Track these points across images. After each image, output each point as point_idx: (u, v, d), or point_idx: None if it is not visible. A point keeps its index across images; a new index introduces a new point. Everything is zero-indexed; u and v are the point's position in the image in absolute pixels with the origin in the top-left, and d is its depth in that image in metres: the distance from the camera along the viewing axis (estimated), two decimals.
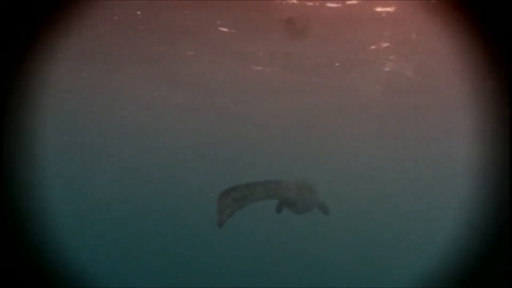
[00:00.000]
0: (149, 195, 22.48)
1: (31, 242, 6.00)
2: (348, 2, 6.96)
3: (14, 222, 5.54)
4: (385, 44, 8.74)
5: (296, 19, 7.64)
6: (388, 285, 14.10)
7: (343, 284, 14.27)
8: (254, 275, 14.73)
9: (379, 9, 7.07)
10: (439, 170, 20.83)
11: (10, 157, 5.39)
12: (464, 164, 12.25)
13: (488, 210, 6.48)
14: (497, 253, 5.92)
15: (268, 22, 7.90)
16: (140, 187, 23.39)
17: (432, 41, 8.16)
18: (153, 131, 21.72)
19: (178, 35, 9.10)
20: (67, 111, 17.98)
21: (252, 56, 10.20)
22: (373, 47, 8.91)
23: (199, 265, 15.29)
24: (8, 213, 5.42)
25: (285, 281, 14.46)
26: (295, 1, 7.01)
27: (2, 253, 5.13)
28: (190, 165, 25.18)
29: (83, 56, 11.40)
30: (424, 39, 8.20)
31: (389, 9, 7.04)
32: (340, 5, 7.04)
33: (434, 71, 10.01)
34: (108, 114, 19.02)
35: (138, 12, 8.09)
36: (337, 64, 10.16)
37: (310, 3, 7.01)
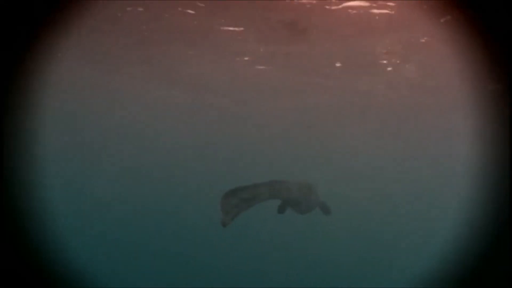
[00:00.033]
0: (149, 195, 22.48)
1: (31, 242, 5.99)
2: (349, 3, 6.96)
3: (14, 222, 5.54)
4: (386, 45, 8.74)
5: (297, 19, 7.64)
6: (388, 285, 14.10)
7: (344, 284, 14.27)
8: (254, 275, 14.73)
9: (380, 9, 7.07)
10: (439, 170, 20.85)
11: (10, 157, 5.38)
12: (464, 164, 12.26)
13: (488, 210, 6.48)
14: (497, 253, 5.92)
15: (268, 22, 7.90)
16: (140, 187, 23.40)
17: (432, 42, 8.15)
18: (153, 131, 21.74)
19: (178, 35, 9.09)
20: (67, 111, 18.00)
21: (252, 56, 10.19)
22: (373, 47, 8.91)
23: (199, 265, 15.29)
24: (8, 213, 5.42)
25: (285, 281, 14.46)
26: (295, 2, 7.01)
27: (2, 253, 5.13)
28: (190, 165, 25.20)
29: (83, 56, 11.41)
30: (424, 40, 8.20)
31: (390, 9, 7.03)
32: (340, 5, 7.04)
33: (434, 72, 10.01)
34: (108, 114, 19.04)
35: (139, 12, 8.09)
36: (337, 64, 10.16)
37: (310, 3, 7.01)
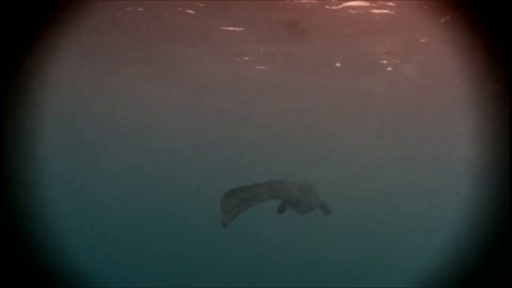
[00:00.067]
0: (149, 195, 22.49)
1: (31, 242, 5.99)
2: (349, 3, 6.96)
3: (14, 222, 5.54)
4: (386, 45, 8.74)
5: (297, 19, 7.64)
6: (388, 285, 14.10)
7: (344, 284, 14.27)
8: (254, 275, 14.73)
9: (379, 9, 7.07)
10: (439, 170, 20.85)
11: (10, 157, 5.38)
12: (464, 164, 12.26)
13: (488, 210, 6.48)
14: (497, 253, 5.92)
15: (268, 22, 7.90)
16: (140, 187, 23.40)
17: (432, 42, 8.15)
18: (153, 131, 21.74)
19: (178, 35, 9.10)
20: (67, 111, 18.00)
21: (252, 56, 10.19)
22: (373, 47, 8.91)
23: (199, 265, 15.29)
24: (8, 213, 5.42)
25: (285, 281, 14.46)
26: (295, 2, 7.01)
27: (2, 253, 5.13)
28: (190, 165, 25.20)
29: (83, 56, 11.41)
30: (424, 40, 8.20)
31: (390, 9, 7.03)
32: (340, 5, 7.03)
33: (434, 72, 10.01)
34: (108, 114, 19.04)
35: (139, 12, 8.09)
36: (337, 64, 10.16)
37: (310, 4, 7.01)
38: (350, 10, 7.13)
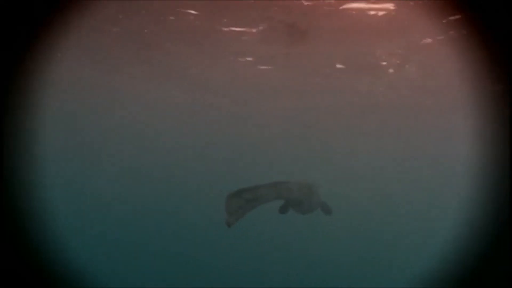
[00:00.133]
0: (149, 195, 22.48)
1: (31, 242, 5.99)
2: (350, 4, 6.96)
3: (14, 222, 5.54)
4: (386, 46, 8.74)
5: (298, 20, 7.64)
6: (388, 285, 14.10)
7: (344, 284, 14.27)
8: (254, 275, 14.73)
9: (380, 11, 7.07)
10: (439, 170, 20.83)
11: (10, 157, 5.38)
12: (464, 164, 12.26)
13: (488, 210, 6.48)
14: (497, 253, 5.92)
15: (269, 22, 7.90)
16: (140, 187, 23.39)
17: (433, 43, 8.16)
18: (153, 131, 21.73)
19: (178, 35, 9.10)
20: (67, 111, 17.99)
21: (253, 57, 10.19)
22: (374, 49, 8.92)
23: (199, 265, 15.29)
24: (8, 213, 5.42)
25: (285, 281, 14.46)
26: (296, 2, 7.01)
27: (2, 253, 5.13)
28: (190, 165, 25.18)
29: (83, 56, 11.40)
30: (424, 41, 8.20)
31: (390, 11, 7.03)
32: (341, 7, 7.03)
33: (434, 72, 10.01)
34: (108, 114, 19.03)
35: (139, 12, 8.09)
36: (338, 65, 10.16)
37: (311, 5, 7.01)
38: (350, 11, 7.14)
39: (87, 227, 17.22)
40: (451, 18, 6.61)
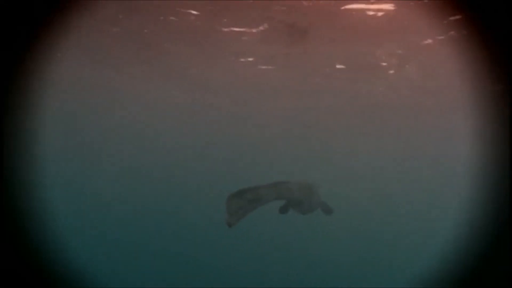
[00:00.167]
0: (149, 195, 22.48)
1: (31, 242, 5.99)
2: (350, 5, 6.96)
3: (14, 222, 5.54)
4: (387, 46, 8.74)
5: (298, 20, 7.64)
6: (388, 285, 14.10)
7: (344, 284, 14.27)
8: (254, 275, 14.73)
9: (381, 11, 7.07)
10: (439, 170, 20.83)
11: (10, 157, 5.38)
12: (464, 164, 12.27)
13: (488, 210, 6.48)
14: (497, 253, 5.92)
15: (269, 23, 7.90)
16: (140, 187, 23.39)
17: (433, 43, 8.16)
18: (153, 131, 21.72)
19: (178, 35, 9.10)
20: (67, 111, 17.99)
21: (253, 57, 10.19)
22: (374, 49, 8.91)
23: (199, 265, 15.29)
24: (8, 213, 5.42)
25: (285, 281, 14.46)
26: (297, 3, 7.01)
27: (2, 253, 5.13)
28: (190, 165, 25.18)
29: (83, 56, 11.40)
30: (425, 41, 8.20)
31: (390, 12, 7.03)
32: (342, 7, 7.04)
33: (434, 72, 10.01)
34: (108, 114, 19.02)
35: (139, 12, 8.09)
36: (338, 66, 10.16)
37: (312, 5, 7.01)
38: (351, 12, 7.14)
39: (87, 227, 17.22)
40: (451, 18, 6.61)
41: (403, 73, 10.21)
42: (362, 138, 18.05)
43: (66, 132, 20.61)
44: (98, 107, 17.86)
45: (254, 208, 5.66)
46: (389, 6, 6.91)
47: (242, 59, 10.42)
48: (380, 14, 7.14)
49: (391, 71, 10.13)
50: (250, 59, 10.35)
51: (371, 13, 7.13)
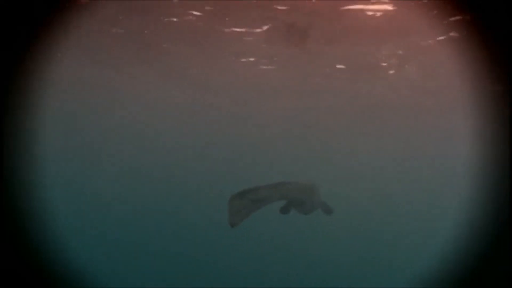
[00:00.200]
0: (149, 195, 22.48)
1: (31, 242, 5.99)
2: (351, 6, 6.96)
3: (14, 222, 5.54)
4: (387, 47, 8.74)
5: (299, 21, 7.63)
6: (388, 285, 14.10)
7: (344, 284, 14.27)
8: (254, 275, 14.73)
9: (381, 12, 7.07)
10: (439, 170, 20.84)
11: (10, 157, 5.38)
12: (464, 164, 12.27)
13: (488, 210, 6.48)
14: (497, 253, 5.92)
15: (269, 23, 7.90)
16: (140, 187, 23.40)
17: (433, 43, 8.16)
18: (153, 131, 21.73)
19: (179, 35, 9.10)
20: (67, 111, 17.99)
21: (254, 57, 10.19)
22: (375, 49, 8.91)
23: (199, 265, 15.29)
24: (8, 213, 5.42)
25: (285, 281, 14.46)
26: (298, 3, 7.01)
27: (2, 253, 5.13)
28: (190, 165, 25.19)
29: (83, 56, 11.40)
30: (425, 42, 8.20)
31: (391, 12, 7.03)
32: (342, 8, 7.04)
33: (434, 73, 10.01)
34: (108, 114, 19.03)
35: (140, 12, 8.09)
36: (338, 66, 10.16)
37: (313, 6, 7.01)
38: (351, 12, 7.14)
39: (87, 227, 17.22)
40: (452, 19, 6.61)
41: (403, 73, 10.21)
42: (362, 138, 18.05)
43: (66, 132, 20.61)
44: (98, 107, 17.86)
45: (258, 208, 5.69)
46: (389, 7, 6.91)
47: (242, 59, 10.42)
48: (380, 14, 7.14)
49: (391, 71, 10.14)
50: (251, 59, 10.36)
51: (371, 13, 7.13)
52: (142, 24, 8.68)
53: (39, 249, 6.21)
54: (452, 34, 7.21)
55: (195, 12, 7.89)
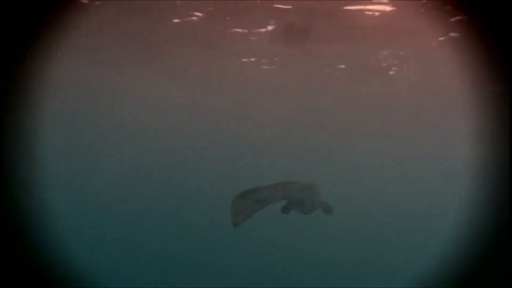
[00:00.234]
0: (149, 195, 22.48)
1: (31, 242, 5.99)
2: (352, 6, 6.96)
3: (14, 222, 5.54)
4: (387, 46, 8.74)
5: (300, 21, 7.63)
6: (388, 285, 14.09)
7: (344, 284, 14.26)
8: (254, 275, 14.73)
9: (381, 13, 7.07)
10: (439, 170, 20.84)
11: (10, 157, 5.38)
12: (464, 164, 12.25)
13: (488, 210, 6.48)
14: (497, 253, 5.92)
15: (270, 23, 7.90)
16: (140, 187, 23.39)
17: (433, 44, 8.16)
18: (153, 131, 21.73)
19: (179, 35, 9.10)
20: (67, 111, 17.99)
21: (254, 57, 10.20)
22: (375, 50, 8.92)
23: (199, 265, 15.29)
24: (8, 213, 5.42)
25: (285, 281, 14.46)
26: (299, 4, 7.01)
27: (2, 253, 5.13)
28: (190, 165, 25.18)
29: (83, 56, 11.40)
30: (425, 42, 8.20)
31: (391, 11, 7.03)
32: (343, 8, 7.04)
33: (435, 73, 10.01)
34: (108, 114, 19.02)
35: (140, 12, 8.09)
36: (339, 66, 10.17)
37: (314, 6, 7.01)
38: (352, 12, 7.14)
39: (87, 227, 17.21)
40: (452, 19, 6.61)
41: (403, 74, 10.21)
42: (362, 138, 18.05)
43: (66, 132, 20.60)
44: (98, 107, 17.85)
45: (261, 208, 5.70)
46: (389, 7, 6.92)
47: (242, 59, 10.42)
48: (380, 14, 7.14)
49: (391, 72, 10.14)
50: (251, 59, 10.36)
51: (371, 13, 7.14)
52: (142, 24, 8.68)
53: (39, 249, 6.21)
54: (452, 34, 7.21)
55: (195, 13, 7.90)
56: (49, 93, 12.20)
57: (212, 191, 20.68)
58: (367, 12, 7.12)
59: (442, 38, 7.63)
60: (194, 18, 8.09)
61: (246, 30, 8.47)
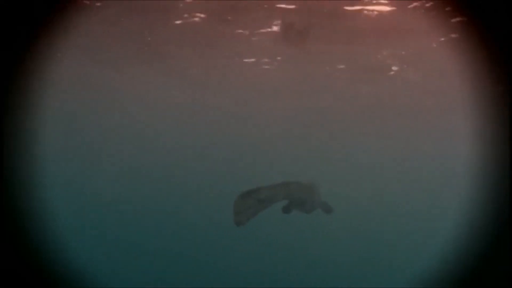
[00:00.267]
0: (149, 195, 22.48)
1: (31, 242, 6.00)
2: (352, 6, 6.96)
3: (14, 222, 5.54)
4: (387, 47, 8.74)
5: (300, 22, 7.64)
6: (388, 285, 14.09)
7: (344, 284, 14.26)
8: (254, 275, 14.73)
9: (382, 12, 7.07)
10: (439, 170, 20.85)
11: (10, 157, 5.38)
12: (464, 164, 12.25)
13: (488, 210, 6.48)
14: (497, 253, 5.92)
15: (270, 23, 7.91)
16: (140, 187, 23.39)
17: (434, 44, 8.16)
18: (153, 131, 21.73)
19: (179, 35, 9.10)
20: (67, 111, 17.99)
21: (254, 57, 10.20)
22: (376, 50, 8.92)
23: (199, 265, 15.29)
24: (8, 213, 5.42)
25: (285, 281, 14.46)
26: (299, 4, 7.01)
27: (2, 253, 5.13)
28: (190, 165, 25.19)
29: (83, 56, 11.40)
30: (425, 42, 8.20)
31: (392, 12, 7.03)
32: (344, 8, 7.04)
33: (435, 73, 10.01)
34: (108, 114, 19.03)
35: (140, 13, 8.08)
36: (339, 66, 10.17)
37: (314, 6, 7.01)
38: (352, 13, 7.14)
39: (87, 227, 17.22)
40: (453, 20, 6.61)
41: (403, 74, 10.22)
42: (362, 138, 18.05)
43: (66, 132, 20.61)
44: (98, 107, 17.86)
45: (264, 208, 5.71)
46: (390, 8, 6.92)
47: (243, 60, 10.42)
48: (380, 15, 7.14)
49: (391, 72, 10.14)
50: (251, 59, 10.36)
51: (372, 14, 7.14)
52: (142, 25, 8.68)
53: (39, 249, 6.21)
54: (452, 35, 7.22)
55: (196, 13, 7.90)
56: (49, 93, 12.21)
57: (212, 191, 20.69)
58: (367, 12, 7.12)
59: (442, 39, 7.63)
60: (195, 18, 8.09)
61: (246, 31, 8.47)
